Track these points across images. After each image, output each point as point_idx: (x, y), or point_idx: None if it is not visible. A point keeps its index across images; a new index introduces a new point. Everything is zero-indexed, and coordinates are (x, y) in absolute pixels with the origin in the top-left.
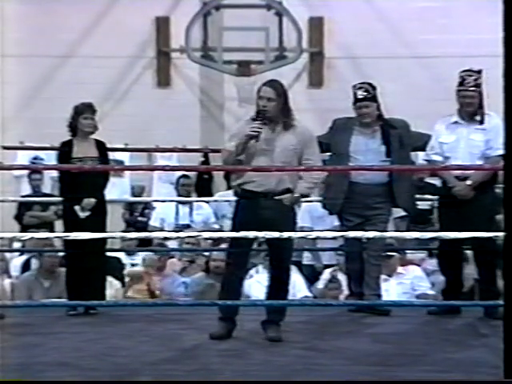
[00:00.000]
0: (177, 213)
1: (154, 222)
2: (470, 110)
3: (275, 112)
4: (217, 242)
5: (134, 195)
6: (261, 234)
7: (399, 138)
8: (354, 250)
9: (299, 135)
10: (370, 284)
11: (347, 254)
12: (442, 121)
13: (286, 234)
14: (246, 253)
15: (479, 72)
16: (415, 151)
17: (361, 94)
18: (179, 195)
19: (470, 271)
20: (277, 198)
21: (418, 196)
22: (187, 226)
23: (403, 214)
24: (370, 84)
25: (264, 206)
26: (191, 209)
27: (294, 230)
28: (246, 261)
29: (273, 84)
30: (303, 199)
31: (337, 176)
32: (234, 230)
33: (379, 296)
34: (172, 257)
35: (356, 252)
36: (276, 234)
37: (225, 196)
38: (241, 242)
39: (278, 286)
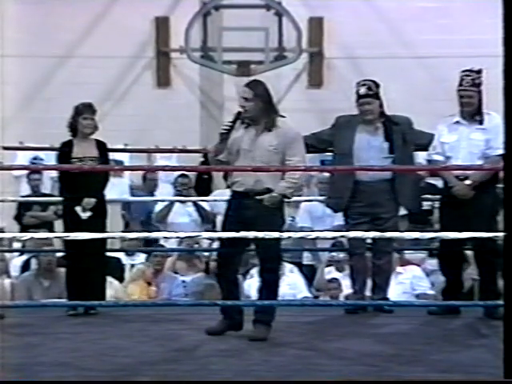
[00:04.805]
0: None
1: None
2: (469, 110)
3: (254, 112)
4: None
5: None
6: (261, 235)
7: (402, 135)
8: (357, 249)
9: (281, 136)
10: (379, 286)
11: (350, 253)
12: (444, 121)
13: (285, 235)
14: (235, 253)
15: (478, 72)
16: (418, 149)
17: (363, 90)
18: (177, 194)
19: (470, 271)
20: (257, 197)
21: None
22: None
23: (403, 213)
24: (372, 81)
25: (245, 206)
26: None
27: (279, 229)
28: (236, 261)
29: (252, 85)
30: (287, 199)
31: (341, 174)
32: (223, 229)
33: (386, 298)
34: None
35: (359, 251)
36: (276, 234)
37: (222, 194)
38: (229, 242)
39: (266, 287)
